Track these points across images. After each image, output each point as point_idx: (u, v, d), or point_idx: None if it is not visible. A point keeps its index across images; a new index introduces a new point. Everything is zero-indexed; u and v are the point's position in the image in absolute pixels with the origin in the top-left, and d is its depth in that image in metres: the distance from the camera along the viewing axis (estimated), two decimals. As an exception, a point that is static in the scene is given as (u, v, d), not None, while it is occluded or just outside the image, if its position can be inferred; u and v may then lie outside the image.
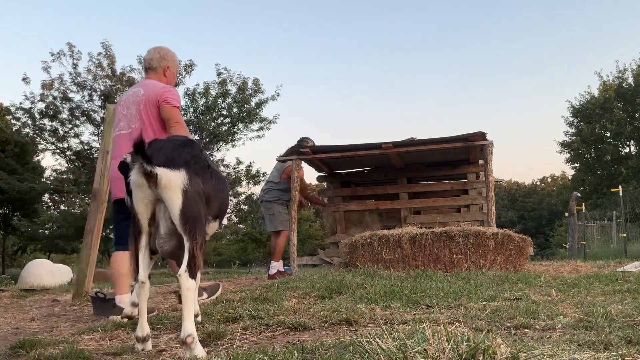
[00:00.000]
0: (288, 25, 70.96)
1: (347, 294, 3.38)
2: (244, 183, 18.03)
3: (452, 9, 69.38)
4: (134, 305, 2.50)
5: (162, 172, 2.09)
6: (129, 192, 2.27)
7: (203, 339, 2.26)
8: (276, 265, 6.14)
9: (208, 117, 16.14)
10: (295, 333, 2.36)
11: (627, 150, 27.02)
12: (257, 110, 16.69)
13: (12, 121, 18.03)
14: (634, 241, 11.85)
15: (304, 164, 6.49)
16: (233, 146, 17.10)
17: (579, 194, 13.90)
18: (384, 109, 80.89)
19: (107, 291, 3.89)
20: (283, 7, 69.53)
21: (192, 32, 63.16)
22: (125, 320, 2.90)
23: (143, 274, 2.19)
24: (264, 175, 17.32)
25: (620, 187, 13.04)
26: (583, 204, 14.38)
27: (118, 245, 3.32)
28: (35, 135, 16.76)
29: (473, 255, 4.94)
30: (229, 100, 16.48)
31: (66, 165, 17.38)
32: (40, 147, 17.99)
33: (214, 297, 3.68)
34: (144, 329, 2.18)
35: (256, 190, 18.30)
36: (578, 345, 1.79)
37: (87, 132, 16.67)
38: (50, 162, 58.96)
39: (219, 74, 16.46)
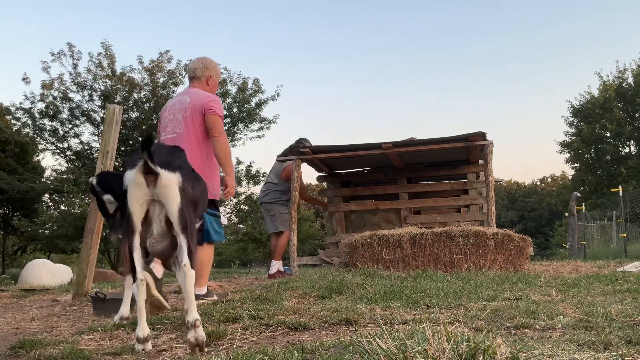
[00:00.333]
0: (288, 25, 70.99)
1: (347, 294, 3.38)
2: (244, 183, 18.04)
3: (452, 9, 69.41)
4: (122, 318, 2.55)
5: (163, 172, 2.14)
6: (103, 210, 2.29)
7: (203, 339, 2.26)
8: (277, 265, 6.14)
9: (208, 117, 16.14)
10: (295, 333, 2.36)
11: (627, 150, 27.03)
12: (257, 110, 16.69)
13: (12, 121, 18.03)
14: (634, 241, 11.86)
15: (303, 165, 6.49)
16: (233, 146, 17.09)
17: (579, 194, 13.90)
18: (384, 109, 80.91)
19: (107, 291, 3.89)
20: (283, 7, 69.55)
21: (192, 32, 63.18)
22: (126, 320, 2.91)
23: (141, 271, 2.18)
24: (263, 176, 17.32)
25: (620, 187, 13.04)
26: (583, 204, 14.39)
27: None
28: (35, 135, 16.77)
29: (473, 255, 4.94)
30: (229, 100, 16.48)
31: (66, 165, 17.40)
32: (40, 147, 18.00)
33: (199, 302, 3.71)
34: (144, 329, 2.16)
35: (256, 190, 18.32)
36: (578, 345, 1.79)
37: (87, 132, 16.69)
38: (50, 162, 59.05)
39: (219, 74, 16.48)
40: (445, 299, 3.01)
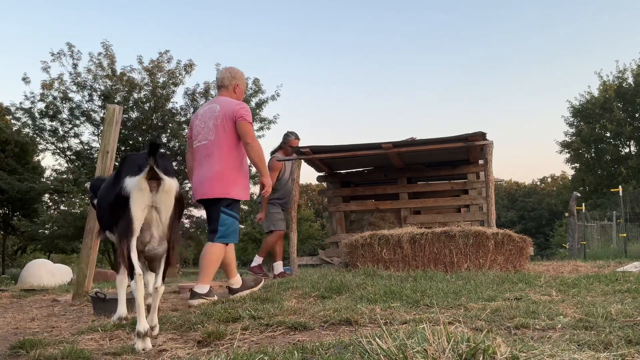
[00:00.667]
0: (288, 25, 71.01)
1: (347, 294, 3.38)
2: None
3: (451, 9, 69.42)
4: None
5: (166, 178, 2.23)
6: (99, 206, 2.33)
7: (203, 339, 2.27)
8: (279, 265, 6.11)
9: (208, 117, 16.15)
10: (295, 333, 2.36)
11: (627, 150, 27.02)
12: (257, 110, 16.69)
13: (12, 121, 18.03)
14: (634, 241, 11.85)
15: (303, 165, 6.49)
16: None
17: (579, 194, 13.89)
18: (384, 109, 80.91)
19: (107, 291, 3.89)
20: (283, 7, 69.56)
21: (192, 32, 63.19)
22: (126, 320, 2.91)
23: (139, 266, 2.23)
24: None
25: (620, 187, 13.03)
26: (583, 204, 14.38)
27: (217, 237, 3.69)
28: (35, 135, 16.78)
29: (473, 255, 4.94)
30: (229, 100, 16.49)
31: (66, 165, 17.40)
32: (40, 147, 18.01)
33: (247, 292, 3.86)
34: (144, 324, 2.18)
35: (256, 190, 18.31)
36: (578, 345, 1.79)
37: (87, 132, 16.70)
38: (50, 162, 59.02)
39: (219, 74, 16.48)
40: (445, 299, 3.01)
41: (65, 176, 16.89)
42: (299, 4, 69.70)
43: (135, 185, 2.21)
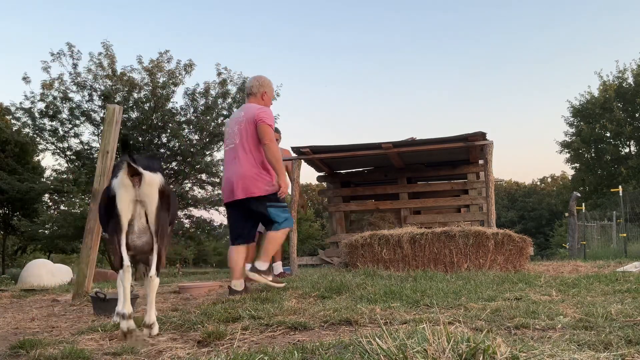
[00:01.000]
0: (288, 25, 71.00)
1: (347, 294, 3.38)
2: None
3: (451, 9, 69.41)
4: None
5: (146, 172, 2.39)
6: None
7: (203, 339, 2.27)
8: (279, 266, 6.09)
9: (208, 117, 16.14)
10: (295, 333, 2.36)
11: (627, 150, 27.01)
12: (257, 110, 16.67)
13: (12, 121, 18.01)
14: (634, 241, 11.85)
15: (303, 165, 6.48)
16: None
17: (579, 194, 13.89)
18: (384, 109, 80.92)
19: (107, 291, 3.89)
20: (283, 7, 69.57)
21: (192, 32, 63.19)
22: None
23: (127, 259, 2.42)
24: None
25: (620, 187, 13.02)
26: (583, 204, 14.37)
27: (235, 240, 4.03)
28: (35, 135, 16.76)
29: (473, 255, 4.94)
30: (229, 100, 16.48)
31: (66, 165, 17.38)
32: (40, 147, 17.98)
33: (274, 284, 4.00)
34: (127, 307, 2.38)
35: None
36: (578, 345, 1.79)
37: (87, 132, 16.69)
38: (50, 162, 59.08)
39: (219, 74, 16.47)
40: (445, 299, 3.01)
41: (65, 176, 16.87)
42: (299, 4, 69.73)
43: (119, 182, 2.38)
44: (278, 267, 6.11)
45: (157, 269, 2.47)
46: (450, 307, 2.80)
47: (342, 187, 7.23)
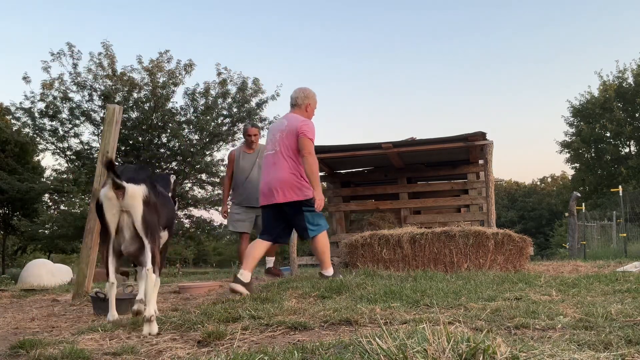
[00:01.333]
0: (288, 25, 70.99)
1: (347, 294, 3.38)
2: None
3: (451, 9, 69.40)
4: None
5: (128, 186, 2.63)
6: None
7: (203, 339, 2.27)
8: (271, 261, 5.96)
9: (208, 117, 16.13)
10: (295, 333, 2.36)
11: (627, 150, 27.01)
12: (258, 110, 16.67)
13: (12, 121, 18.00)
14: (634, 241, 11.85)
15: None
16: (233, 146, 17.05)
17: (579, 194, 13.88)
18: (384, 109, 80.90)
19: (107, 291, 3.89)
20: (283, 7, 69.56)
21: (192, 32, 63.19)
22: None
23: (112, 276, 2.74)
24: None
25: (620, 187, 13.02)
26: (583, 203, 14.37)
27: (262, 235, 4.29)
28: (35, 135, 16.75)
29: (473, 255, 4.94)
30: (229, 100, 16.46)
31: (66, 165, 17.38)
32: (40, 147, 17.97)
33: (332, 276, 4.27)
34: (114, 315, 2.91)
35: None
36: (578, 345, 1.79)
37: (87, 132, 16.68)
38: (50, 162, 59.00)
39: (219, 74, 16.46)
40: (445, 299, 3.01)
41: (65, 176, 16.87)
42: (299, 4, 69.72)
43: (103, 195, 2.66)
44: (270, 262, 5.98)
45: (153, 263, 2.65)
46: (450, 307, 2.80)
47: (342, 187, 7.23)
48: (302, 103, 4.40)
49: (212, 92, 16.36)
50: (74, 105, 15.76)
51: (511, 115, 76.98)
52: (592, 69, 63.57)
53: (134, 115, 15.84)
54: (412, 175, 7.13)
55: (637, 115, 25.97)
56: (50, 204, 20.56)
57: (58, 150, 16.89)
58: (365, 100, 78.99)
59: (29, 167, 22.20)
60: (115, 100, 14.99)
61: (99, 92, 15.57)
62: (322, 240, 4.25)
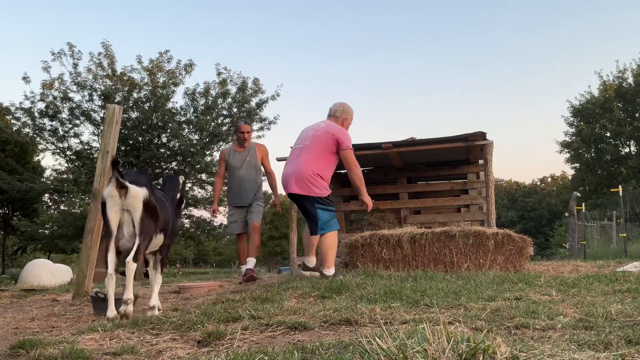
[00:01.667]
0: (288, 25, 70.99)
1: (347, 294, 3.38)
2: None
3: (451, 9, 69.39)
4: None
5: (131, 186, 2.79)
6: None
7: (203, 339, 2.27)
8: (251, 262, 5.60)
9: (208, 117, 16.12)
10: (295, 333, 2.36)
11: (627, 150, 27.00)
12: (258, 110, 16.66)
13: (12, 121, 17.99)
14: (634, 241, 11.85)
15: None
16: (233, 146, 17.03)
17: (579, 194, 13.89)
18: (384, 109, 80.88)
19: (106, 291, 3.88)
20: (283, 7, 69.55)
21: (192, 32, 63.17)
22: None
23: (112, 268, 2.83)
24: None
25: (620, 187, 13.01)
26: (583, 203, 14.37)
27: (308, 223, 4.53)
28: (35, 135, 16.74)
29: (473, 255, 4.94)
30: (229, 100, 16.45)
31: (66, 165, 17.37)
32: (40, 147, 17.95)
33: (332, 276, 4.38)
34: (112, 311, 2.88)
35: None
36: (578, 345, 1.79)
37: (87, 132, 16.66)
38: (50, 162, 59.01)
39: (219, 74, 16.45)
40: (445, 299, 3.01)
41: (65, 176, 16.86)
42: (300, 4, 69.71)
43: (107, 193, 2.81)
44: (250, 263, 5.73)
45: (135, 256, 2.83)
46: (450, 307, 2.80)
47: (342, 187, 7.23)
48: (339, 116, 4.63)
49: (212, 92, 16.35)
50: (74, 105, 15.74)
51: (511, 115, 77.04)
52: (592, 69, 63.60)
53: (134, 115, 15.83)
54: (412, 175, 7.13)
55: (637, 115, 25.96)
56: (50, 204, 20.58)
57: (58, 150, 16.88)
58: (365, 100, 78.99)
59: (29, 167, 22.21)
60: (115, 100, 14.97)
61: (99, 92, 15.56)
62: (331, 239, 4.39)
